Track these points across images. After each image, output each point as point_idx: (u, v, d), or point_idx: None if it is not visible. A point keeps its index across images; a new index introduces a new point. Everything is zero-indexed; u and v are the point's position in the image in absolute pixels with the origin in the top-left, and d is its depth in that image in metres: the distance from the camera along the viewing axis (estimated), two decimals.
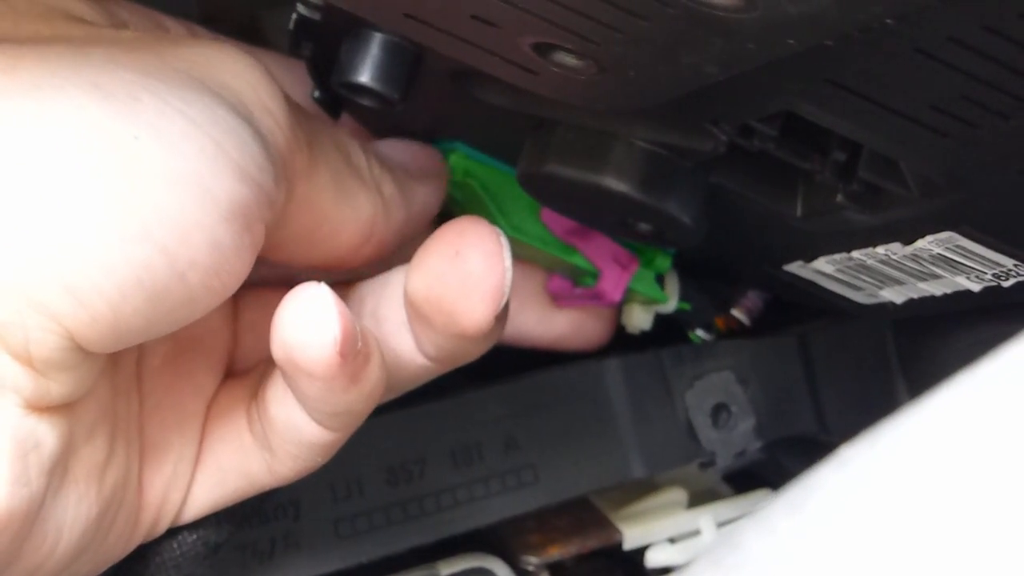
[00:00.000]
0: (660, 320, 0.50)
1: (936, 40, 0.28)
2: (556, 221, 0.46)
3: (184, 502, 0.39)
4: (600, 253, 0.46)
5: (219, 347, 0.41)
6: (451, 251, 0.37)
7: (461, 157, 0.44)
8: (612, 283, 0.47)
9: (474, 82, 0.38)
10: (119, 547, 0.38)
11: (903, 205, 0.37)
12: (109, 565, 0.38)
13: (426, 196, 0.42)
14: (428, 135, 0.44)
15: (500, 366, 0.49)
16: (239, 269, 0.34)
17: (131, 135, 0.32)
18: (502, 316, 0.38)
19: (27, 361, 0.31)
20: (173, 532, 0.40)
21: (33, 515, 0.32)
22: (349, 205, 0.39)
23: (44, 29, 0.35)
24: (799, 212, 0.39)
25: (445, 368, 0.40)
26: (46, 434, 0.33)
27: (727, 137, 0.36)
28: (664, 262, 0.48)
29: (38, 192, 0.31)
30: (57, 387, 0.32)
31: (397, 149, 0.43)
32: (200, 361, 0.40)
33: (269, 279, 0.42)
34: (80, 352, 0.32)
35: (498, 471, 0.48)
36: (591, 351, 0.50)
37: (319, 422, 0.37)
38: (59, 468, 0.33)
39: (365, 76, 0.37)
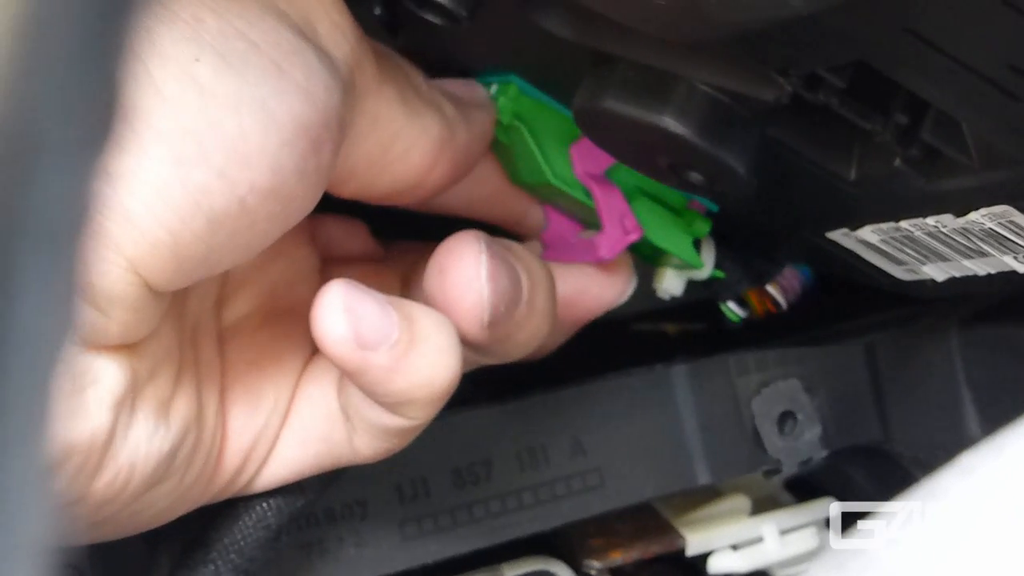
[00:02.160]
0: (724, 326, 0.50)
1: None
2: (581, 163, 0.45)
3: (268, 457, 0.40)
4: (610, 210, 0.45)
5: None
6: (437, 268, 0.38)
7: (510, 99, 0.43)
8: (609, 241, 0.45)
9: (541, 9, 0.37)
10: (198, 490, 0.38)
11: (962, 174, 0.36)
12: (191, 507, 0.38)
13: (482, 119, 0.42)
14: (484, 65, 0.44)
15: (568, 369, 0.49)
16: (303, 193, 0.35)
17: (192, 56, 0.32)
18: (507, 321, 0.38)
19: (89, 296, 0.31)
20: (234, 517, 0.41)
21: (100, 449, 0.33)
22: (418, 121, 0.39)
23: None
24: (853, 175, 0.39)
25: (486, 360, 0.41)
26: (105, 371, 0.33)
27: (792, 88, 0.35)
28: (703, 226, 0.47)
29: None
30: (116, 327, 0.32)
31: (443, 82, 0.43)
32: (298, 323, 0.40)
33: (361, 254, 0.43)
34: (144, 289, 0.32)
35: (564, 475, 0.48)
36: (595, 316, 0.49)
37: (386, 408, 0.38)
38: (125, 405, 0.34)
39: None
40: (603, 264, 0.46)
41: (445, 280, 0.37)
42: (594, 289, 0.47)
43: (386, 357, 0.36)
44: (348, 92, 0.36)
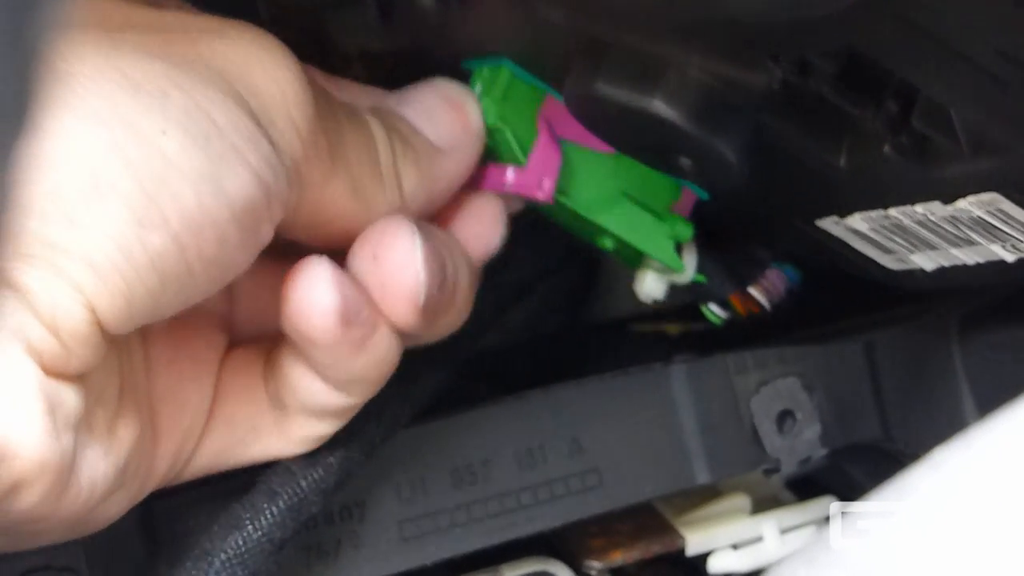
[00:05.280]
0: (727, 325, 0.50)
1: None
2: (555, 115, 0.44)
3: (195, 450, 0.41)
4: (541, 161, 0.44)
5: (217, 308, 0.43)
6: (370, 254, 0.39)
7: (494, 101, 0.43)
8: (521, 178, 0.44)
9: None
10: (134, 491, 0.39)
11: (950, 161, 0.36)
12: (127, 509, 0.39)
13: (452, 171, 0.43)
14: (476, 49, 0.43)
15: (567, 369, 0.49)
16: (242, 262, 0.37)
17: (159, 129, 0.34)
18: (437, 304, 0.40)
19: (54, 330, 0.33)
20: (238, 528, 0.41)
21: (66, 469, 0.34)
22: (365, 205, 0.40)
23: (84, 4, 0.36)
24: (843, 162, 0.39)
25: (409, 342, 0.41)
26: (66, 395, 0.34)
27: (782, 73, 0.35)
28: (685, 231, 0.46)
29: (72, 178, 0.33)
30: (75, 360, 0.34)
31: (429, 110, 0.43)
32: (203, 319, 0.42)
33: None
34: (99, 329, 0.34)
35: (562, 475, 0.48)
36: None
37: (334, 387, 0.40)
38: (82, 426, 0.35)
39: None
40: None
41: (380, 266, 0.39)
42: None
43: (359, 332, 0.38)
44: (294, 182, 0.37)
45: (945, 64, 0.32)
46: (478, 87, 0.43)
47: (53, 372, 0.34)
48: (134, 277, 0.34)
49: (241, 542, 0.41)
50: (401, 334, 0.40)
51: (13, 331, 0.33)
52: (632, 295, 0.49)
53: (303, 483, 0.42)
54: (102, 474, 0.36)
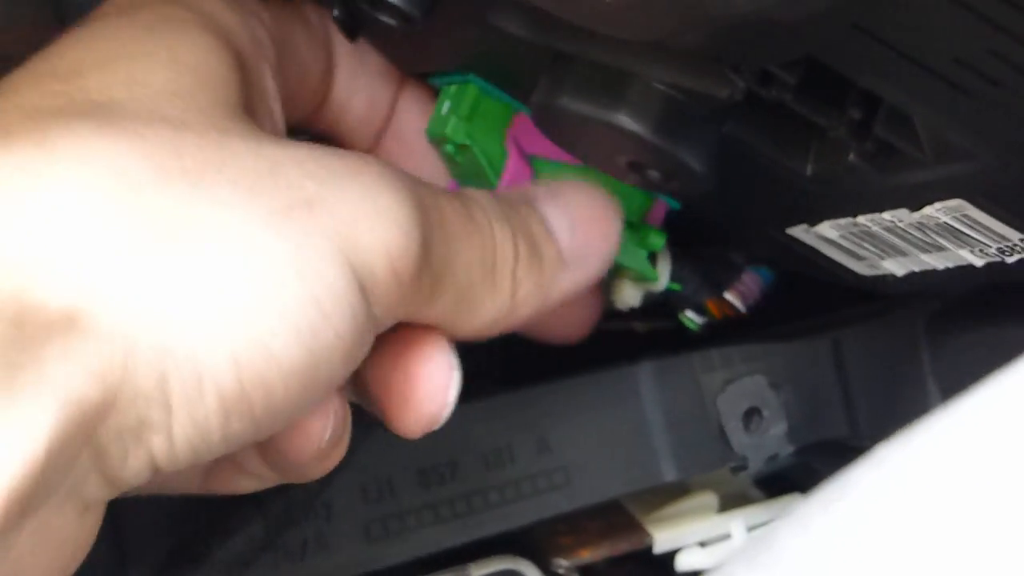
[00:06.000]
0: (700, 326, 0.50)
1: None
2: (522, 134, 0.44)
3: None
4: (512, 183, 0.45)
5: None
6: (403, 372, 0.39)
7: (462, 118, 0.43)
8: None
9: (496, 9, 0.37)
10: None
11: (915, 168, 0.36)
12: None
13: (570, 289, 0.41)
14: (444, 67, 0.43)
15: (532, 368, 0.49)
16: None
17: (269, 330, 0.32)
18: None
19: (109, 480, 0.32)
20: (219, 536, 0.41)
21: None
22: (468, 313, 0.39)
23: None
24: (809, 171, 0.39)
25: None
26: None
27: (745, 84, 0.35)
28: (657, 240, 0.47)
29: (179, 371, 0.32)
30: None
31: (573, 216, 0.41)
32: None
33: None
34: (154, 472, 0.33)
35: (530, 473, 0.48)
36: (571, 341, 0.49)
37: (276, 472, 0.39)
38: None
39: None
40: None
41: (411, 388, 0.39)
42: (571, 313, 0.49)
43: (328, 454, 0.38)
44: (384, 326, 0.37)
45: (904, 72, 0.32)
46: (446, 104, 0.43)
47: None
48: (204, 451, 0.33)
49: (227, 549, 0.41)
50: None
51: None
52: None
53: (291, 493, 0.42)
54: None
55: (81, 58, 0.36)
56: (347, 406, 0.38)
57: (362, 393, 0.40)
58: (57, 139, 0.33)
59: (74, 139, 0.33)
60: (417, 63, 0.44)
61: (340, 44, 0.44)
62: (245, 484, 0.40)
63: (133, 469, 0.32)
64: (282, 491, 0.42)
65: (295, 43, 0.42)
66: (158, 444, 0.32)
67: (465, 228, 0.38)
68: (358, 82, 0.45)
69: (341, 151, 0.37)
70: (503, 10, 0.37)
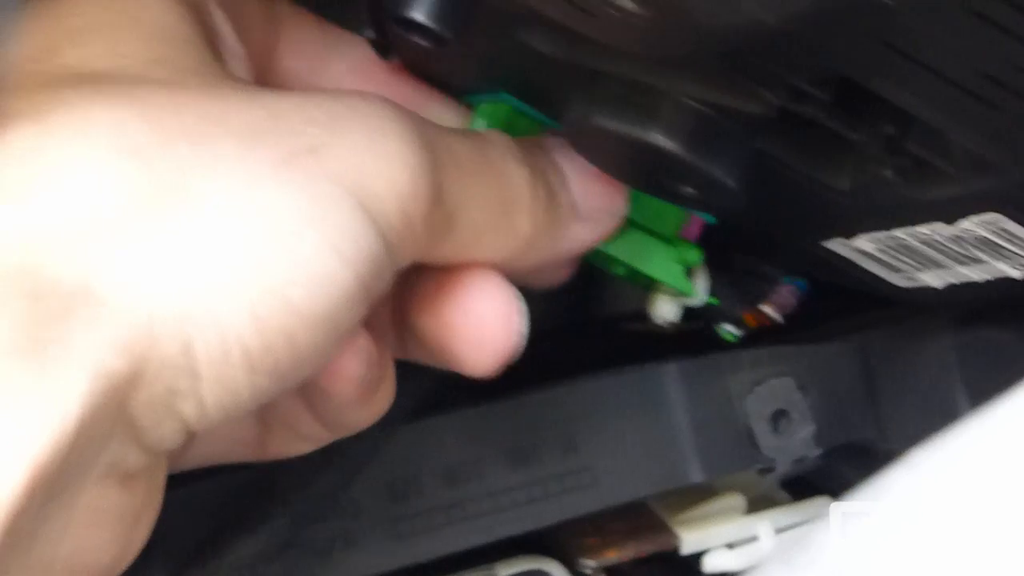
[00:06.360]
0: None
1: (992, 2, 0.28)
2: None
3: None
4: None
5: None
6: (462, 310, 0.39)
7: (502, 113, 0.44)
8: None
9: (528, 28, 0.37)
10: None
11: (949, 182, 0.36)
12: None
13: (579, 244, 0.42)
14: (477, 85, 0.44)
15: (558, 368, 0.49)
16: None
17: (286, 280, 0.32)
18: None
19: (146, 448, 0.32)
20: (245, 532, 0.41)
21: None
22: (482, 251, 0.39)
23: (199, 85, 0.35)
24: (844, 185, 0.39)
25: None
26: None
27: (779, 101, 0.35)
28: (694, 255, 0.47)
29: (203, 336, 0.32)
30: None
31: (587, 172, 0.41)
32: None
33: None
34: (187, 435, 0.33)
35: (556, 473, 0.48)
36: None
37: (323, 424, 0.39)
38: None
39: (420, 12, 0.36)
40: None
41: (477, 326, 0.39)
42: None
43: (366, 391, 0.38)
44: (400, 265, 0.36)
45: (934, 89, 0.32)
46: (480, 122, 0.43)
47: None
48: (235, 409, 0.33)
49: (251, 545, 0.41)
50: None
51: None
52: (627, 293, 0.49)
53: (315, 489, 0.42)
54: None
55: (51, 37, 0.35)
56: (376, 344, 0.38)
57: (425, 347, 0.40)
58: (51, 112, 0.32)
59: (69, 110, 0.32)
60: (449, 81, 0.44)
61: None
62: (300, 446, 0.41)
63: (167, 436, 0.32)
64: (305, 485, 0.42)
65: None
66: (189, 409, 0.32)
67: (479, 166, 0.38)
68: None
69: (339, 93, 0.37)
70: (533, 29, 0.37)
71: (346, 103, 0.36)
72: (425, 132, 0.36)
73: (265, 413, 0.40)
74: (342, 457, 0.43)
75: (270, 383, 0.33)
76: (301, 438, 0.40)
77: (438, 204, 0.36)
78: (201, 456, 0.40)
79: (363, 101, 0.36)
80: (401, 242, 0.35)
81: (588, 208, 0.41)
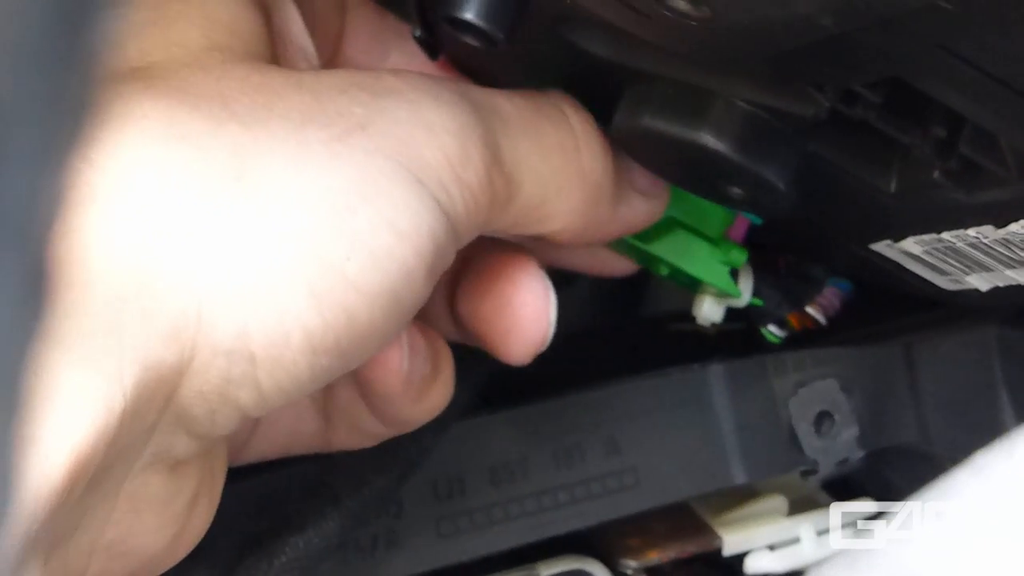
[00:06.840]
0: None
1: None
2: None
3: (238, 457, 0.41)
4: None
5: None
6: (504, 299, 0.40)
7: None
8: None
9: (578, 29, 0.37)
10: None
11: (1000, 186, 0.36)
12: None
13: (636, 219, 0.42)
14: (525, 84, 0.43)
15: (602, 369, 0.49)
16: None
17: (343, 256, 0.33)
18: None
19: (198, 436, 0.33)
20: (298, 530, 0.41)
21: None
22: (554, 203, 0.39)
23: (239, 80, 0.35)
24: (893, 188, 0.39)
25: None
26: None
27: (829, 103, 0.35)
28: (739, 256, 0.47)
29: (259, 316, 0.32)
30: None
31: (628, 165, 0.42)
32: None
33: None
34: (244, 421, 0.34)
35: (599, 474, 0.48)
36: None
37: (380, 420, 0.40)
38: None
39: (471, 12, 0.36)
40: None
41: (512, 316, 0.40)
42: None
43: (417, 388, 0.39)
44: (465, 237, 0.37)
45: (987, 92, 0.31)
46: None
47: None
48: (296, 392, 0.33)
49: (302, 545, 0.41)
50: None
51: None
52: (672, 293, 0.49)
53: (367, 490, 0.42)
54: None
55: None
56: (427, 336, 0.38)
57: (463, 330, 0.41)
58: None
59: (122, 103, 0.33)
60: (499, 82, 0.44)
61: None
62: (361, 440, 0.41)
63: (220, 423, 0.32)
64: (360, 486, 0.42)
65: None
66: (245, 396, 0.32)
67: (532, 116, 0.39)
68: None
69: (380, 72, 0.37)
70: (584, 30, 0.37)
71: (386, 81, 0.36)
72: (468, 95, 0.37)
73: (327, 405, 0.40)
74: (395, 458, 0.43)
75: (330, 362, 0.33)
76: (361, 433, 0.41)
77: (496, 164, 0.36)
78: (263, 449, 0.41)
79: (401, 78, 0.36)
80: (462, 210, 0.35)
81: (644, 184, 0.42)
